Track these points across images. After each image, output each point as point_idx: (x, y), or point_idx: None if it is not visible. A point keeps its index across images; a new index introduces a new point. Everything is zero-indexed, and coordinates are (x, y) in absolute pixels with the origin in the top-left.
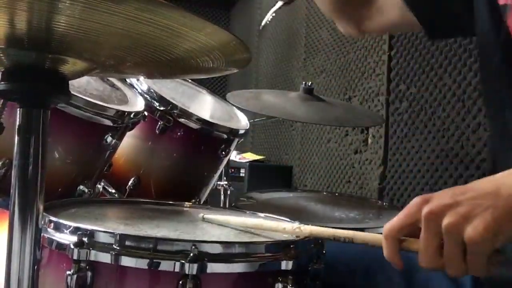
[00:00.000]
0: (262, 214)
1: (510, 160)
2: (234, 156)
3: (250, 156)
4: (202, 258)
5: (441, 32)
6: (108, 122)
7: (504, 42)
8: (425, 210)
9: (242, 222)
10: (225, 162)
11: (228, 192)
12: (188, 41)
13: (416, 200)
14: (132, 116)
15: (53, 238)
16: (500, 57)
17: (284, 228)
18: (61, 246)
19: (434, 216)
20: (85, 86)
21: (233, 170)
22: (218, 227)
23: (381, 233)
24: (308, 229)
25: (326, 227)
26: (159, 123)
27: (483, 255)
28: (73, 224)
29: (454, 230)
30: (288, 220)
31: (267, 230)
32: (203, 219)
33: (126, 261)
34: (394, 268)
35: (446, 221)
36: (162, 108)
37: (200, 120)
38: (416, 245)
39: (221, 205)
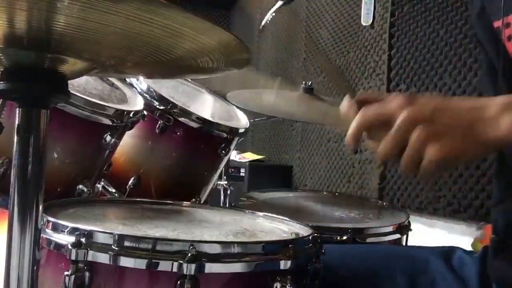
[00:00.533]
0: (261, 214)
1: None
2: (234, 155)
3: (250, 156)
4: (200, 258)
5: None
6: (107, 121)
7: (503, 62)
8: (404, 114)
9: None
10: (225, 161)
11: (228, 192)
12: (188, 41)
13: (398, 99)
14: (131, 115)
15: (51, 238)
16: (501, 75)
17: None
18: (59, 247)
19: (409, 124)
20: (84, 85)
21: (233, 169)
22: (217, 227)
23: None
24: None
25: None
26: (159, 122)
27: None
28: (71, 225)
29: (419, 145)
30: (289, 220)
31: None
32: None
33: (124, 261)
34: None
35: (415, 133)
36: (161, 107)
37: (200, 119)
38: (374, 144)
39: (221, 205)
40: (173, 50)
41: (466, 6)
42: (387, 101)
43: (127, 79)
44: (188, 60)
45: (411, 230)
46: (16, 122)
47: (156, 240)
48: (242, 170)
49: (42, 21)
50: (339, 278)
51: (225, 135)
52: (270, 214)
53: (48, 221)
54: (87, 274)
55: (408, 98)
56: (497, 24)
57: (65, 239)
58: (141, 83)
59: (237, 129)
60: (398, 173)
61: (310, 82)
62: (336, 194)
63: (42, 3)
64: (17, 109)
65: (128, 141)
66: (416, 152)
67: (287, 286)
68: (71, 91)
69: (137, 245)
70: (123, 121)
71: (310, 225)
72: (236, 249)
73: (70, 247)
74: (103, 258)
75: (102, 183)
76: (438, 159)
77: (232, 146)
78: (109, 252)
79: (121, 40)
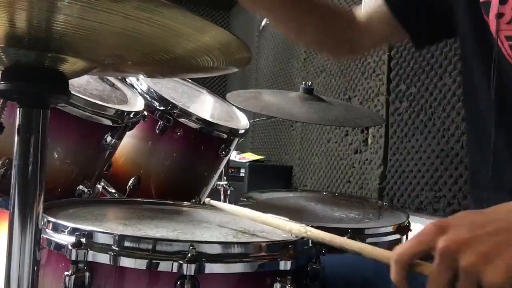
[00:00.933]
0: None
1: (486, 168)
2: (234, 156)
3: (250, 156)
4: (200, 259)
5: (427, 38)
6: (107, 122)
7: (481, 37)
8: (441, 244)
9: (249, 215)
10: (225, 162)
11: (228, 192)
12: (188, 41)
13: (430, 228)
14: (132, 115)
15: (52, 238)
16: (478, 53)
17: (290, 229)
18: (59, 247)
19: (451, 253)
20: (84, 86)
21: (233, 170)
22: (216, 227)
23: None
24: (315, 234)
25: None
26: (159, 123)
27: None
28: (71, 225)
29: (472, 271)
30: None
31: (272, 226)
32: (210, 205)
33: (124, 261)
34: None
35: (464, 260)
36: (162, 108)
37: (200, 120)
38: (427, 271)
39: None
40: (172, 49)
41: None
42: (417, 237)
43: (127, 80)
44: (188, 59)
45: (411, 230)
46: (17, 122)
47: (156, 240)
48: (242, 170)
49: (42, 20)
50: (338, 279)
51: (225, 135)
52: (270, 215)
53: (49, 222)
54: (87, 274)
55: (438, 224)
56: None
57: (65, 239)
58: (142, 83)
59: (237, 129)
60: (398, 173)
61: (310, 82)
62: (336, 194)
63: (42, 2)
64: (18, 109)
65: (129, 142)
66: (471, 281)
67: (287, 286)
68: (72, 92)
69: (137, 246)
70: (123, 121)
71: (310, 225)
72: (236, 250)
73: (70, 247)
74: (103, 258)
75: (102, 183)
76: (503, 280)
77: (232, 147)
78: (109, 253)
79: (121, 39)
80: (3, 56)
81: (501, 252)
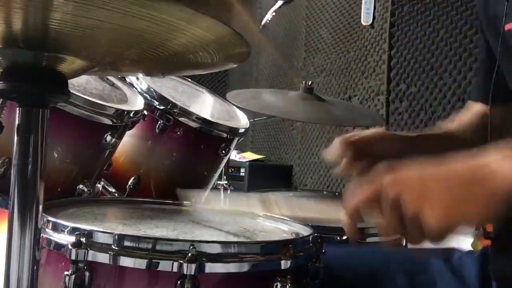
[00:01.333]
0: (262, 214)
1: None
2: (234, 155)
3: (250, 156)
4: (201, 258)
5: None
6: (107, 121)
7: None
8: (387, 179)
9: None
10: (225, 161)
11: (228, 191)
12: (184, 35)
13: (380, 167)
14: (131, 115)
15: (52, 238)
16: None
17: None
18: (59, 247)
19: (393, 189)
20: (84, 85)
21: (233, 169)
22: (217, 227)
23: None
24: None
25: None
26: (159, 122)
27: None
28: (71, 225)
29: (411, 211)
30: (288, 219)
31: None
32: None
33: (124, 261)
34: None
35: (404, 198)
36: (162, 107)
37: (200, 119)
38: (376, 217)
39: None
40: (170, 45)
41: (466, 6)
42: (370, 179)
43: (127, 79)
44: (186, 55)
45: None
46: (16, 122)
47: (156, 240)
48: (242, 170)
49: (38, 19)
50: (339, 279)
51: (225, 135)
52: (270, 214)
53: (48, 221)
54: (87, 274)
55: (389, 167)
56: (508, 27)
57: (65, 239)
58: (141, 83)
59: (237, 129)
60: None
61: (310, 82)
62: (336, 194)
63: (38, 1)
64: (17, 108)
65: (128, 141)
66: (413, 219)
67: (287, 286)
68: (72, 91)
69: (137, 245)
70: (123, 121)
71: (310, 225)
72: (236, 249)
73: (70, 247)
74: (103, 258)
75: (102, 183)
76: (437, 224)
77: (232, 146)
78: (109, 252)
79: (117, 36)
80: (1, 57)
81: (443, 198)
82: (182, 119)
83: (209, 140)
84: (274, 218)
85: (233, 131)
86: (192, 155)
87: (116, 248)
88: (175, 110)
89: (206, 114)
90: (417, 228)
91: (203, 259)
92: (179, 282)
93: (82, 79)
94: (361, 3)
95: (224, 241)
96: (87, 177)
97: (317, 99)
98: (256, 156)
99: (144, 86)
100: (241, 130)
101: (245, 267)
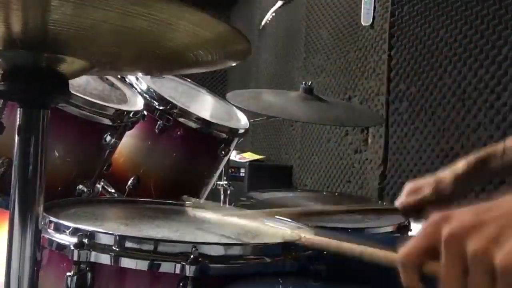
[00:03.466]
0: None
1: None
2: (234, 156)
3: (250, 156)
4: (203, 260)
5: None
6: (107, 121)
7: None
8: (445, 231)
9: (239, 224)
10: (225, 161)
11: (228, 192)
12: (183, 34)
13: (433, 219)
14: (131, 115)
15: (53, 239)
16: None
17: (283, 236)
18: (61, 247)
19: (456, 239)
20: (84, 86)
21: (233, 170)
22: (219, 228)
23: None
24: (311, 240)
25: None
26: (159, 122)
27: None
28: (73, 225)
29: (483, 256)
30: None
31: (265, 235)
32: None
33: (126, 262)
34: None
35: (472, 246)
36: (161, 108)
37: (200, 120)
38: (439, 268)
39: (221, 205)
40: (169, 44)
41: (466, 6)
42: (421, 232)
43: (127, 79)
44: (186, 53)
45: (411, 230)
46: (17, 122)
47: (158, 241)
48: (242, 170)
49: (37, 21)
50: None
51: (224, 135)
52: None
53: (50, 222)
54: (89, 275)
55: (441, 214)
56: None
57: (67, 239)
58: (141, 83)
59: (236, 129)
60: (398, 173)
61: (310, 82)
62: (336, 194)
63: (36, 2)
64: (18, 109)
65: (128, 141)
66: (483, 268)
67: (290, 287)
68: (72, 91)
69: (139, 247)
70: (123, 121)
71: (310, 225)
72: (239, 251)
73: (72, 248)
74: (106, 259)
75: (102, 183)
76: None
77: (232, 147)
78: (111, 253)
79: (116, 36)
80: (1, 59)
81: (510, 234)
82: (181, 119)
83: (208, 140)
84: (276, 220)
85: (233, 132)
86: (192, 155)
87: (118, 250)
88: (174, 111)
89: (206, 114)
90: (487, 275)
91: (206, 261)
92: (181, 284)
93: (82, 80)
94: (361, 3)
95: (227, 243)
96: (87, 177)
97: (317, 99)
98: (256, 156)
99: (143, 87)
100: (241, 131)
101: (247, 269)
